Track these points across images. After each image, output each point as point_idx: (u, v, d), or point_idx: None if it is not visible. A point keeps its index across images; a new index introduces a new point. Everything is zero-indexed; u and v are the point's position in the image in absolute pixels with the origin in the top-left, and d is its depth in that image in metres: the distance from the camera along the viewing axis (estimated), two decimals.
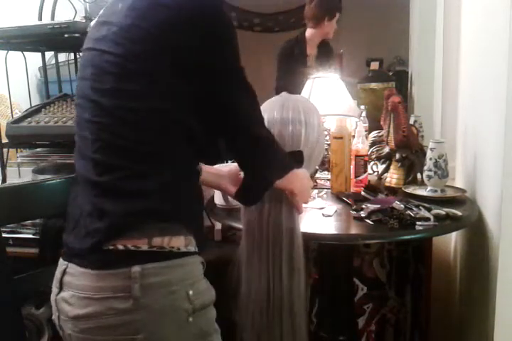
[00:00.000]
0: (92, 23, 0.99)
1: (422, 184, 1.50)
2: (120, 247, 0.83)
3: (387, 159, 1.67)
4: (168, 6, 0.85)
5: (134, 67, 0.85)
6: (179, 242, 0.87)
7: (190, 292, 0.86)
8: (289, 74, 2.56)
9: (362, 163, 1.54)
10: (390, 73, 3.00)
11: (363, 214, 1.26)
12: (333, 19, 2.63)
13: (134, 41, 0.85)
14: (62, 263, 0.92)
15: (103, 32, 0.90)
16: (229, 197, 1.33)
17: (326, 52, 2.69)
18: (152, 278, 0.83)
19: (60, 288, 0.90)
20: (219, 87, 0.90)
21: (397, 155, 1.58)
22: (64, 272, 0.89)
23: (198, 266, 0.92)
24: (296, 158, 1.08)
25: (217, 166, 1.24)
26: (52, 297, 0.92)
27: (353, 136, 1.58)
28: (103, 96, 0.87)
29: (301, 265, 1.10)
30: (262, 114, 1.14)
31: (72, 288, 0.87)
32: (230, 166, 1.23)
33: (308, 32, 2.71)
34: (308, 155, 1.13)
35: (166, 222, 0.87)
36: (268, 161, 0.98)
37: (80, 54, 1.05)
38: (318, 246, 1.74)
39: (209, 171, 1.16)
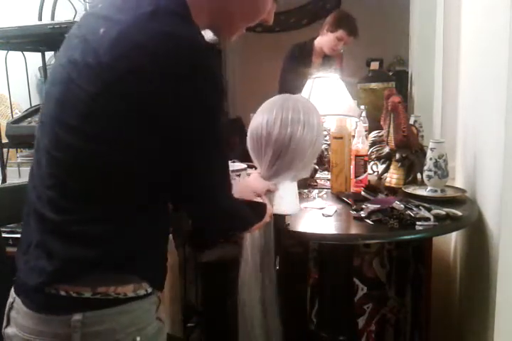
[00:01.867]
0: (72, 29, 0.88)
1: (422, 184, 1.50)
2: (62, 293, 0.78)
3: (387, 159, 1.67)
4: (154, 53, 0.73)
5: (102, 111, 0.76)
6: (127, 289, 0.81)
7: (138, 338, 0.81)
8: (293, 78, 2.59)
9: (362, 163, 1.54)
10: (390, 73, 3.01)
11: (363, 214, 1.26)
12: (334, 33, 2.65)
13: (108, 83, 0.75)
14: (12, 294, 0.87)
15: (77, 54, 0.79)
16: None
17: (329, 65, 2.71)
18: (95, 327, 0.78)
19: (8, 322, 0.85)
20: (190, 150, 0.81)
21: (397, 155, 1.58)
22: (11, 306, 0.85)
23: (149, 308, 0.85)
24: (258, 212, 1.04)
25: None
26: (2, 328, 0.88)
27: (353, 136, 1.58)
28: (64, 131, 0.79)
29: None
30: (262, 114, 1.14)
31: (17, 326, 0.83)
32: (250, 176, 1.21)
33: (317, 39, 2.75)
34: (304, 156, 1.13)
35: (116, 272, 0.81)
36: (229, 228, 0.99)
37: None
38: (319, 246, 1.74)
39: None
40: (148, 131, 0.77)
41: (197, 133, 0.79)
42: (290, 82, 2.57)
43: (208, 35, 0.90)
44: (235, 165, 1.47)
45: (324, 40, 2.71)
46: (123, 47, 0.74)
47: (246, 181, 1.21)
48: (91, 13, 0.89)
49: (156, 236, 0.88)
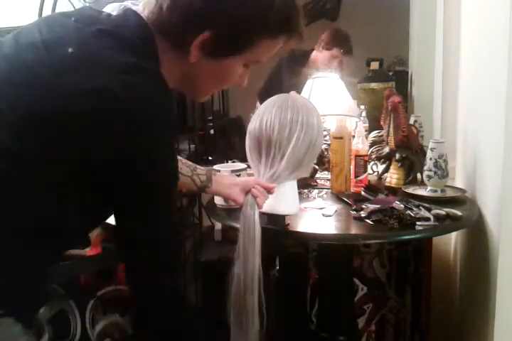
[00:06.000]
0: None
1: (422, 184, 1.50)
2: None
3: (387, 159, 1.66)
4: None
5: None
6: None
7: None
8: (286, 79, 2.60)
9: (362, 163, 1.54)
10: (390, 73, 3.00)
11: (363, 214, 1.26)
12: (330, 51, 2.67)
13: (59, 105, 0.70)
14: None
15: (31, 55, 0.74)
16: None
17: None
18: None
19: None
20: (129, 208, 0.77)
21: (397, 155, 1.58)
22: None
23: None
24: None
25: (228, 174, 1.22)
26: None
27: (353, 136, 1.58)
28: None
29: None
30: (261, 114, 1.14)
31: None
32: (247, 179, 1.19)
33: (313, 53, 2.76)
34: (304, 156, 1.12)
35: None
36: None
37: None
38: (318, 246, 1.74)
39: (222, 182, 1.13)
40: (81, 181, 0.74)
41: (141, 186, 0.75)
42: (284, 82, 2.58)
43: None
44: (235, 165, 1.47)
45: (320, 56, 2.73)
46: (87, 84, 0.70)
47: (228, 178, 1.18)
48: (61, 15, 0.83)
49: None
